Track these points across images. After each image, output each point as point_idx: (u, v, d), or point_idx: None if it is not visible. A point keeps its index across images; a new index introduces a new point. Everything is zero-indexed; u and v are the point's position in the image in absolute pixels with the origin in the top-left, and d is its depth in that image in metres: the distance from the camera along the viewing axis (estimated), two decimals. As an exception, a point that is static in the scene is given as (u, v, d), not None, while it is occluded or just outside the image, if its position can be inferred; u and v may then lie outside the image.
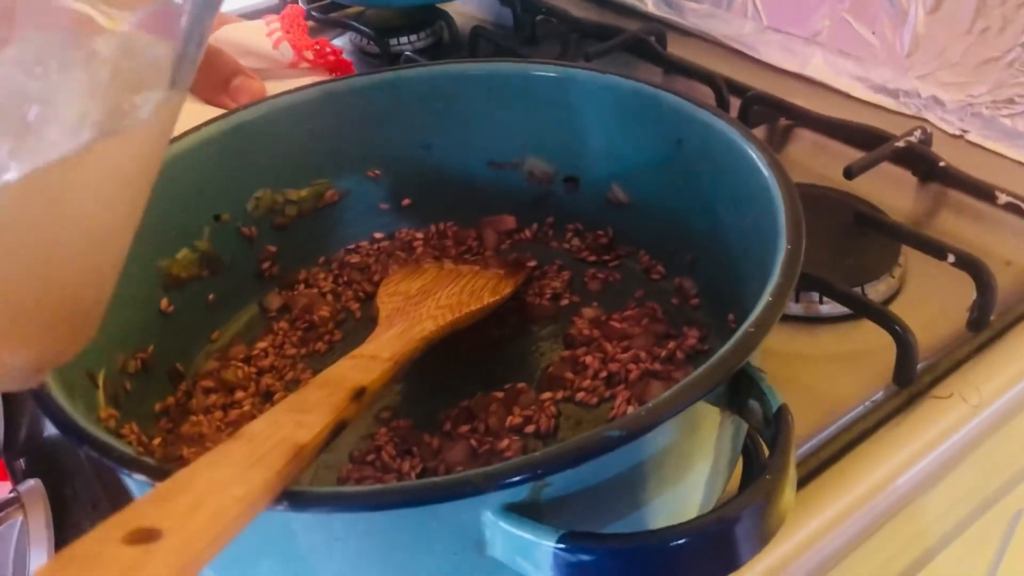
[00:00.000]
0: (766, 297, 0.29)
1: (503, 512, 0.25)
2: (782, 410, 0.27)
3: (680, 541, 0.24)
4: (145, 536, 0.20)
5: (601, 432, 0.25)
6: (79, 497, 0.45)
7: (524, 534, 0.25)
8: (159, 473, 0.25)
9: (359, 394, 0.30)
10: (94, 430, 0.27)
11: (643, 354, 0.40)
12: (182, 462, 0.33)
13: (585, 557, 0.24)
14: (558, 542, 0.24)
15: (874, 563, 0.40)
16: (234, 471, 0.24)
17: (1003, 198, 0.51)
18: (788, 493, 0.26)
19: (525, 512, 0.25)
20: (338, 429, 0.29)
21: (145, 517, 0.21)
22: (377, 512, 0.25)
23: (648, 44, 0.70)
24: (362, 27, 0.74)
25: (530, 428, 0.38)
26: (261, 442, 0.26)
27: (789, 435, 0.26)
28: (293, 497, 0.24)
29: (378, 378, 0.32)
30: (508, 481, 0.24)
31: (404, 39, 0.76)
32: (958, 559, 0.48)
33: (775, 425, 0.27)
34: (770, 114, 0.61)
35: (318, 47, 0.51)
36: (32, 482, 0.45)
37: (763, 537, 0.25)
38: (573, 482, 0.26)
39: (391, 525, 0.26)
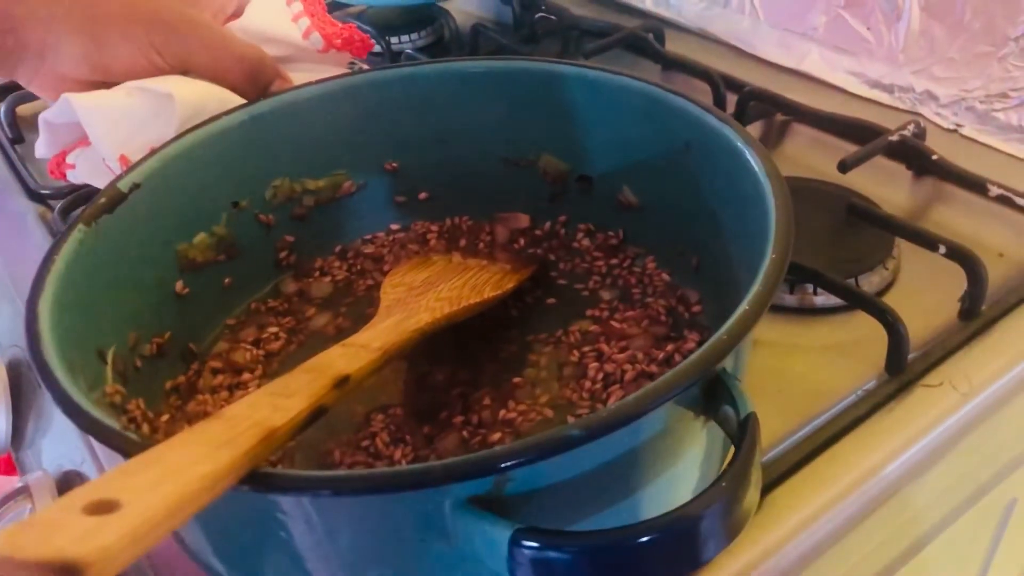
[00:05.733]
0: (743, 305, 0.29)
1: (466, 504, 0.26)
2: (750, 417, 0.27)
3: (643, 539, 0.25)
4: (104, 507, 0.21)
5: (561, 430, 0.25)
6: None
7: (482, 526, 0.25)
8: (132, 447, 0.26)
9: (342, 382, 0.31)
10: (83, 401, 0.28)
11: (640, 355, 0.40)
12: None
13: (539, 553, 0.25)
14: (513, 536, 0.25)
15: (866, 549, 0.40)
16: (205, 449, 0.25)
17: (995, 191, 0.51)
18: (751, 494, 0.26)
19: (488, 506, 0.26)
20: (316, 415, 0.29)
21: (109, 489, 0.22)
22: (341, 497, 0.26)
23: (646, 41, 0.71)
24: (364, 26, 0.75)
25: (523, 423, 0.38)
26: (237, 423, 0.27)
27: (754, 441, 0.27)
28: (257, 479, 0.25)
29: (364, 367, 0.33)
30: (466, 474, 0.25)
31: (405, 37, 0.77)
32: (951, 548, 0.48)
33: (742, 431, 0.27)
34: (766, 110, 0.62)
35: (346, 33, 0.51)
36: (40, 472, 0.46)
37: (726, 536, 0.26)
38: (537, 478, 0.27)
39: (360, 511, 0.27)
